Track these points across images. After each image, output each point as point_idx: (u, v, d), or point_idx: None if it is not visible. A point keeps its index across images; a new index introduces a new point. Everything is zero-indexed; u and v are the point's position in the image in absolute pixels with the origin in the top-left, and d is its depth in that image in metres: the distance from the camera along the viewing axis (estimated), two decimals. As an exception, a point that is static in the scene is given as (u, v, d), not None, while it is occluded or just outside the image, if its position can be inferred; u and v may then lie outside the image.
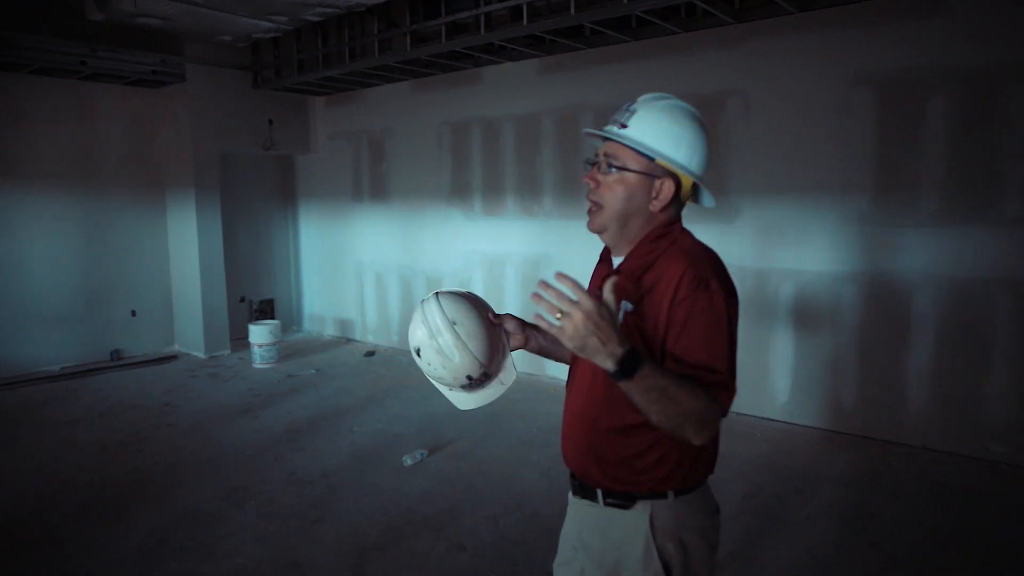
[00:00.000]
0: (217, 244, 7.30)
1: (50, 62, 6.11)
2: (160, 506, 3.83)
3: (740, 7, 4.66)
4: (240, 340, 7.43)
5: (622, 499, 1.56)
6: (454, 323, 1.56)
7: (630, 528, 1.55)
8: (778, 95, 4.89)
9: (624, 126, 1.55)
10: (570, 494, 1.72)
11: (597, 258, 1.73)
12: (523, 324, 1.82)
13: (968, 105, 4.25)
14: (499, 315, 1.79)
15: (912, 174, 4.47)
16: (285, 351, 7.29)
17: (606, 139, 1.56)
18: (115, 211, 7.13)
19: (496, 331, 1.73)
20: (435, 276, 7.19)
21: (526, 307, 6.47)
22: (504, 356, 1.77)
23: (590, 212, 1.59)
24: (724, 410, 1.43)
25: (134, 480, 4.21)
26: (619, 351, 1.29)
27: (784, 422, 5.06)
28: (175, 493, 4.00)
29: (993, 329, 4.28)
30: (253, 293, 8.23)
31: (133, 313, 7.32)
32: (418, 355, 1.63)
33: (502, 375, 1.77)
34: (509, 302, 6.60)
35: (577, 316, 1.27)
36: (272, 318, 7.93)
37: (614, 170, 1.54)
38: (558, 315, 1.29)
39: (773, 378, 5.12)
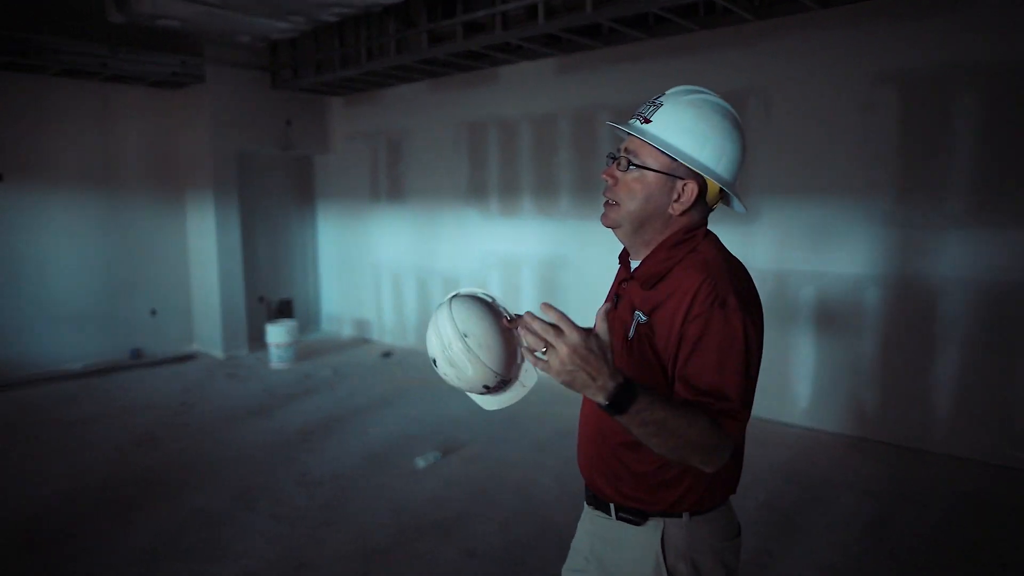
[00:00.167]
0: (235, 244, 7.34)
1: (72, 64, 6.17)
2: (172, 506, 3.84)
3: (760, 4, 4.57)
4: (259, 340, 7.45)
5: (634, 515, 1.49)
6: (465, 335, 1.47)
7: (641, 545, 1.48)
8: (799, 94, 4.79)
9: (647, 120, 1.45)
10: (585, 503, 1.66)
11: (615, 260, 1.64)
12: None
13: (995, 103, 4.12)
14: (516, 317, 1.65)
15: (938, 174, 4.34)
16: (302, 351, 7.31)
17: (630, 134, 1.47)
18: (135, 211, 7.20)
19: (512, 336, 1.65)
20: (451, 277, 7.16)
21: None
22: (523, 359, 1.72)
23: (605, 206, 1.51)
24: (733, 439, 1.33)
25: (148, 479, 4.22)
26: (610, 385, 1.20)
27: (804, 427, 4.95)
28: (187, 493, 4.01)
29: (1023, 334, 4.15)
30: (271, 293, 8.26)
31: (153, 312, 7.38)
32: (434, 364, 1.57)
33: (523, 377, 1.71)
34: (525, 304, 6.55)
35: (563, 350, 1.19)
36: (290, 318, 7.95)
37: (633, 168, 1.45)
38: (543, 349, 1.22)
39: (793, 382, 5.01)
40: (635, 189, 1.45)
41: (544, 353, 1.22)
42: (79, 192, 6.82)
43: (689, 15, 4.74)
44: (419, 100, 7.20)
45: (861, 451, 4.55)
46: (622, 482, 1.50)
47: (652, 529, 1.47)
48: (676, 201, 1.44)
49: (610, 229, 1.54)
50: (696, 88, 1.49)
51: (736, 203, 1.51)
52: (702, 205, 1.47)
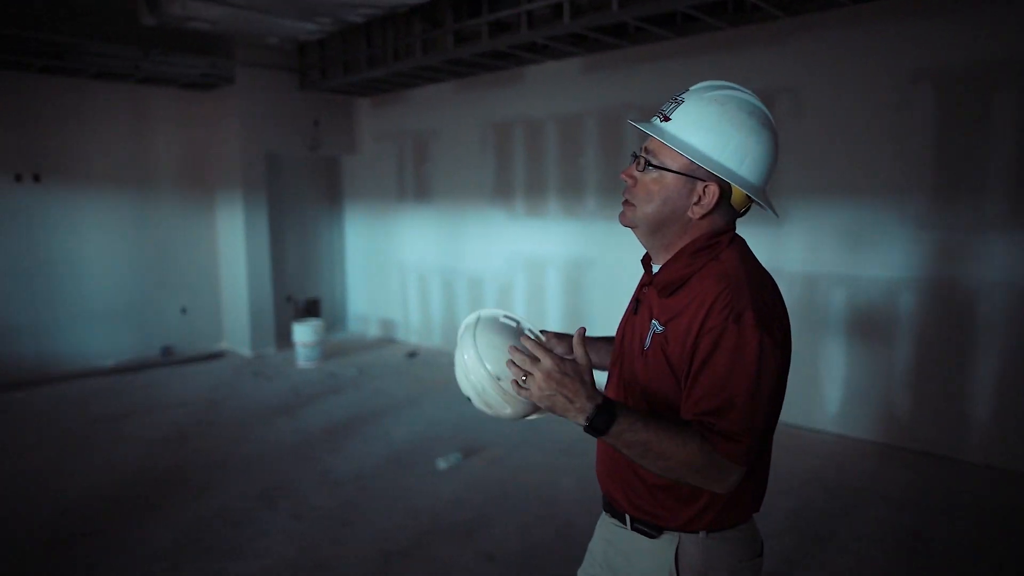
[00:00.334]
0: (264, 243, 7.41)
1: (106, 67, 6.29)
2: (196, 503, 3.87)
3: (790, 1, 4.46)
4: (286, 339, 7.52)
5: (649, 527, 1.44)
6: (499, 378, 1.42)
7: (655, 559, 1.43)
8: (831, 92, 4.67)
9: (667, 118, 1.38)
10: (603, 509, 1.62)
11: (640, 263, 1.58)
12: (566, 340, 1.65)
13: (1039, 101, 3.97)
14: (545, 338, 1.60)
15: (976, 176, 4.20)
16: (329, 350, 7.35)
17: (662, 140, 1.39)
18: (167, 210, 7.31)
19: None
20: (477, 277, 7.15)
21: (567, 310, 6.37)
22: None
23: (623, 205, 1.45)
24: (734, 462, 1.26)
25: (174, 476, 4.27)
26: (588, 407, 1.23)
27: (835, 434, 4.83)
28: (211, 491, 4.04)
29: (1065, 341, 4.00)
30: (299, 292, 8.33)
31: (183, 311, 7.49)
32: (469, 401, 1.51)
33: None
34: (551, 305, 6.51)
35: (537, 376, 1.25)
36: (317, 317, 8.00)
37: (652, 168, 1.38)
38: (523, 378, 1.28)
39: (823, 388, 4.89)
40: (652, 191, 1.39)
41: (525, 381, 1.28)
42: (112, 192, 6.94)
43: (718, 13, 4.65)
44: (445, 100, 7.20)
45: (893, 459, 4.42)
46: (637, 495, 1.45)
47: (667, 543, 1.42)
48: (696, 204, 1.36)
49: (629, 228, 1.48)
50: (723, 83, 1.40)
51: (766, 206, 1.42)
52: (726, 209, 1.38)
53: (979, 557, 3.28)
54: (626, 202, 1.45)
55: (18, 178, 6.39)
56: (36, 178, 6.48)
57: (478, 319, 1.53)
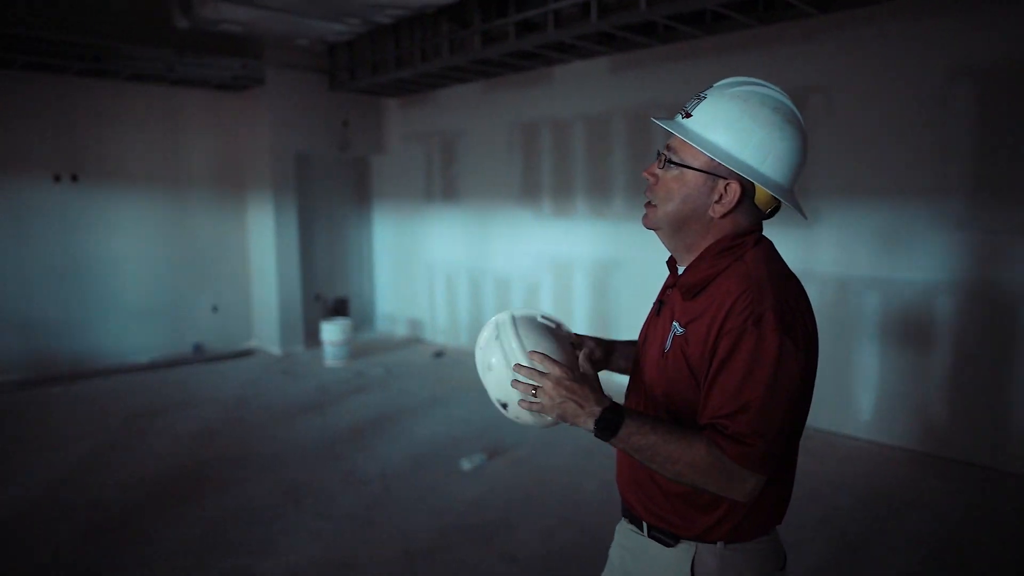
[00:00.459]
0: (293, 243, 7.49)
1: (141, 69, 6.41)
2: (223, 499, 3.92)
3: (824, -3, 4.37)
4: (315, 337, 7.59)
5: (666, 535, 1.41)
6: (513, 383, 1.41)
7: (671, 568, 1.40)
8: (865, 90, 4.57)
9: (688, 115, 1.36)
10: (622, 514, 1.59)
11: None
12: (604, 344, 1.64)
13: (1085, 98, 3.83)
14: (578, 340, 1.57)
15: (1017, 174, 4.07)
16: (357, 349, 7.40)
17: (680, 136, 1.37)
18: (198, 210, 7.43)
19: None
20: (504, 278, 7.14)
21: (595, 312, 6.33)
22: None
23: (646, 207, 1.43)
24: (748, 469, 1.22)
25: (202, 472, 4.33)
26: (597, 410, 1.26)
27: (868, 441, 4.72)
28: (239, 487, 4.09)
29: (1111, 348, 3.85)
30: (328, 291, 8.41)
31: (215, 309, 7.61)
32: (504, 408, 1.47)
33: None
34: (578, 306, 6.47)
35: (547, 385, 1.30)
36: (346, 316, 8.07)
37: (673, 166, 1.36)
38: (533, 392, 1.32)
39: (856, 393, 4.78)
40: (673, 189, 1.36)
41: (535, 395, 1.32)
42: (146, 192, 7.08)
43: (748, 11, 4.58)
44: (473, 101, 7.20)
45: (929, 468, 4.30)
46: (654, 502, 1.42)
47: (683, 552, 1.39)
48: (717, 202, 1.33)
49: (652, 231, 1.46)
50: (748, 79, 1.37)
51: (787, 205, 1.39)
52: (750, 208, 1.35)
53: (1016, 570, 3.17)
54: (648, 204, 1.43)
55: (57, 178, 6.55)
56: (74, 178, 6.63)
57: (514, 320, 1.48)
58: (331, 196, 8.40)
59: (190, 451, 4.69)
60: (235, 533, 3.53)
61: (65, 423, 5.29)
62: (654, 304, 1.52)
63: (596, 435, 1.26)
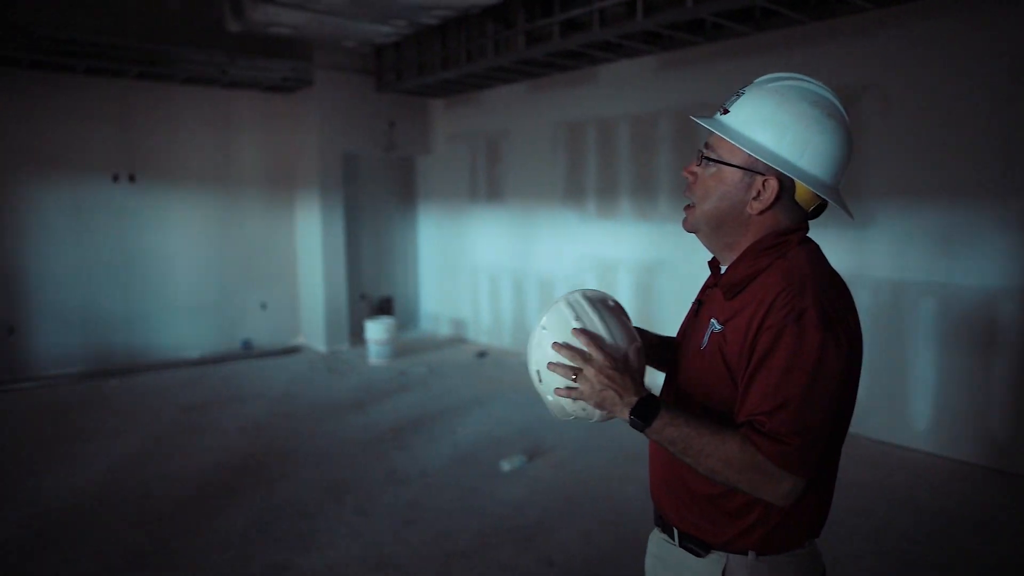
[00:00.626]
0: (340, 242, 7.60)
1: (195, 72, 6.60)
2: (267, 493, 3.99)
3: (881, -9, 4.23)
4: (360, 335, 7.68)
5: (696, 544, 1.38)
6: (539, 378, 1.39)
7: None
8: (923, 87, 4.39)
9: (726, 112, 1.34)
10: (654, 522, 1.56)
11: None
12: (650, 337, 1.61)
13: None
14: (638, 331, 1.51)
15: (1088, 176, 3.87)
16: (400, 348, 7.47)
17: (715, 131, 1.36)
18: (248, 209, 7.61)
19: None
20: (547, 279, 7.11)
21: (639, 314, 6.23)
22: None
23: (685, 209, 1.41)
24: (785, 469, 1.18)
25: (247, 466, 4.41)
26: (633, 400, 1.26)
27: (923, 451, 4.54)
28: (282, 482, 4.16)
29: None
30: (373, 290, 8.51)
31: (263, 306, 7.77)
32: (562, 412, 1.40)
33: None
34: (621, 308, 6.39)
35: (589, 371, 1.28)
36: (390, 315, 8.15)
37: (711, 164, 1.34)
38: (573, 376, 1.29)
39: (911, 402, 4.60)
40: (710, 187, 1.35)
41: (574, 380, 1.29)
42: (199, 191, 7.28)
43: (800, 7, 4.46)
44: (518, 101, 7.19)
45: (989, 483, 4.11)
46: (685, 507, 1.39)
47: (714, 563, 1.35)
48: (755, 199, 1.30)
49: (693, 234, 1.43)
50: (787, 75, 1.35)
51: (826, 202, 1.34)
52: (790, 205, 1.31)
53: (1084, 593, 3.01)
54: (688, 206, 1.41)
55: (115, 178, 6.78)
56: (131, 178, 6.85)
57: (590, 299, 1.40)
58: (377, 196, 8.50)
59: (237, 445, 4.79)
60: (278, 527, 3.59)
61: (121, 415, 5.47)
62: (693, 304, 1.51)
63: (631, 424, 1.26)
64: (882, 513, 3.71)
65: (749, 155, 1.28)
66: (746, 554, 1.32)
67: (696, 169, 1.38)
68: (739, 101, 1.33)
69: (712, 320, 1.35)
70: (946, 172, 4.37)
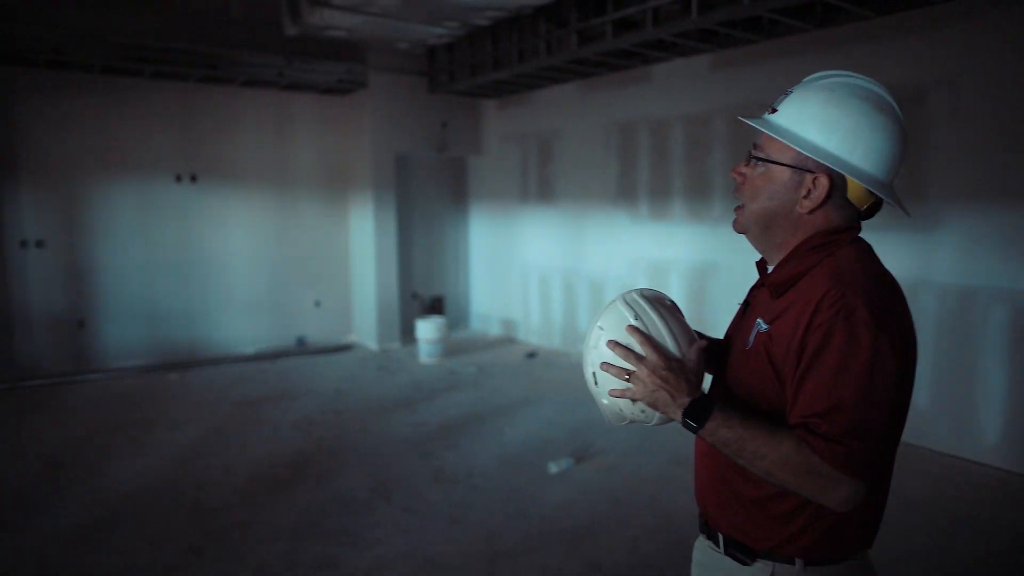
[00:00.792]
0: (392, 242, 7.70)
1: (254, 75, 6.77)
2: (317, 488, 4.06)
3: (951, -17, 4.05)
4: (410, 334, 7.76)
5: (742, 551, 1.34)
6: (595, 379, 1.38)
7: None
8: (996, 84, 4.19)
9: (774, 111, 1.33)
10: (699, 529, 1.53)
11: None
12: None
13: None
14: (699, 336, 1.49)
15: None
16: (451, 347, 7.52)
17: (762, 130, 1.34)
18: (303, 209, 7.78)
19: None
20: (598, 280, 7.06)
21: (691, 317, 6.06)
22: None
23: (735, 210, 1.39)
24: (834, 470, 1.14)
25: (299, 461, 4.50)
26: (686, 401, 1.25)
27: (994, 467, 4.32)
28: (332, 478, 4.22)
29: None
30: (424, 290, 8.59)
31: (317, 304, 7.93)
32: (620, 416, 1.39)
33: None
34: (672, 310, 6.29)
35: (643, 371, 1.27)
36: (441, 315, 8.21)
37: (760, 163, 1.32)
38: (626, 376, 1.29)
39: (980, 414, 4.39)
40: (759, 186, 1.33)
41: (627, 379, 1.29)
42: (257, 191, 7.47)
43: (863, 1, 4.30)
44: (569, 101, 7.15)
45: (1062, 499, 3.90)
46: (731, 510, 1.36)
47: (760, 572, 1.31)
48: (805, 198, 1.28)
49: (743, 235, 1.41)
50: (836, 72, 1.32)
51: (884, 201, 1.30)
52: (842, 203, 1.28)
53: None
54: (738, 207, 1.39)
55: (178, 178, 7.01)
56: (193, 178, 7.08)
57: (648, 299, 1.38)
58: (429, 196, 8.58)
59: (289, 440, 4.89)
60: (327, 522, 3.65)
61: (180, 407, 5.65)
62: (740, 305, 1.48)
63: (683, 425, 1.26)
64: (943, 530, 3.55)
65: (798, 153, 1.26)
66: (793, 563, 1.28)
67: (744, 170, 1.36)
68: (787, 100, 1.32)
69: (758, 320, 1.32)
70: (1019, 172, 4.15)
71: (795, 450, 1.16)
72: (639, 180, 6.53)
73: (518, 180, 7.97)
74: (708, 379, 1.57)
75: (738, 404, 1.34)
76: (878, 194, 1.26)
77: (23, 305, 6.40)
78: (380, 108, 7.44)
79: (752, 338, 1.32)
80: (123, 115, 6.70)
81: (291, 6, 6.01)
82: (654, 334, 1.32)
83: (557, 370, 6.73)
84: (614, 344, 1.30)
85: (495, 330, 8.54)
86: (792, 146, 1.26)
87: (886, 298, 1.22)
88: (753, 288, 1.46)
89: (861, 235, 1.33)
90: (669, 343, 1.32)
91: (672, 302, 1.43)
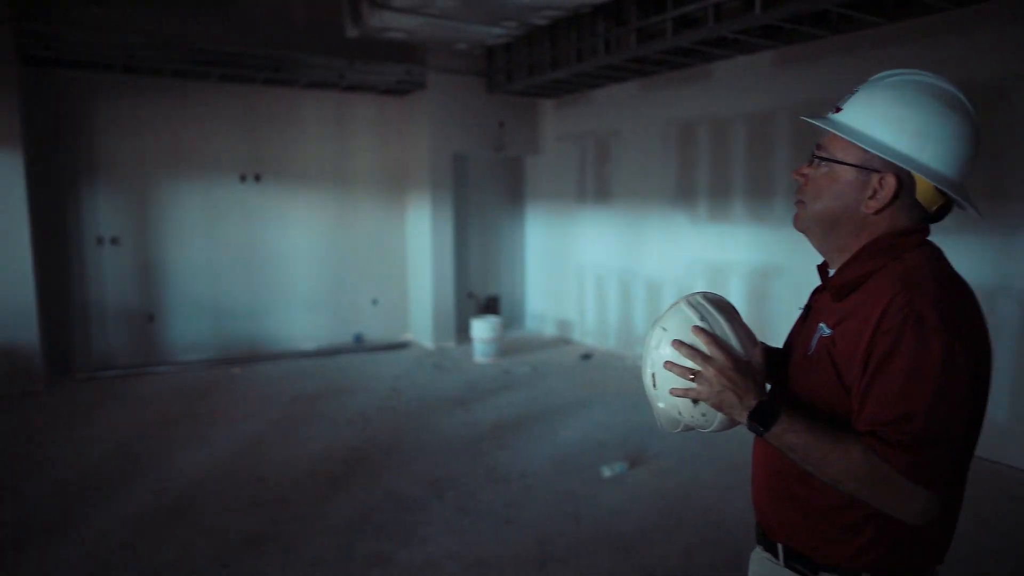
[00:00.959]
0: (448, 241, 7.75)
1: (316, 77, 6.93)
2: (371, 485, 4.12)
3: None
4: (466, 333, 7.81)
5: (803, 564, 1.29)
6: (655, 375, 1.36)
7: None
8: (1086, 78, 3.94)
9: (839, 110, 1.28)
10: (756, 540, 1.48)
11: None
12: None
13: None
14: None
15: None
16: (505, 347, 7.52)
17: (827, 129, 1.30)
18: (362, 208, 7.92)
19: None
20: (655, 282, 6.95)
21: (751, 321, 5.91)
22: None
23: (796, 205, 1.36)
24: (908, 481, 1.10)
25: (354, 456, 4.57)
26: (753, 403, 1.22)
27: (1074, 483, 4.08)
28: (386, 475, 4.27)
29: None
30: (480, 289, 8.63)
31: (374, 302, 8.06)
32: (677, 416, 1.36)
33: None
34: (731, 313, 6.15)
35: (710, 372, 1.24)
36: (496, 314, 8.23)
37: (823, 163, 1.29)
38: (691, 377, 1.26)
39: (1060, 427, 4.15)
40: (823, 186, 1.29)
41: (693, 380, 1.26)
42: (317, 191, 7.64)
43: (941, -8, 4.11)
44: (628, 100, 7.07)
45: None
46: (793, 521, 1.31)
47: None
48: (871, 198, 1.23)
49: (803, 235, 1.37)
50: (904, 70, 1.27)
51: (961, 202, 1.24)
52: (910, 204, 1.23)
53: None
54: (799, 202, 1.35)
55: (242, 178, 7.22)
56: (257, 178, 7.28)
57: (712, 301, 1.36)
58: (485, 196, 8.61)
59: (345, 436, 4.97)
60: (380, 519, 3.69)
61: (242, 401, 5.82)
62: (802, 310, 1.44)
63: (749, 428, 1.23)
64: (1022, 552, 3.36)
65: (865, 152, 1.22)
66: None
67: (807, 171, 1.33)
68: (853, 98, 1.27)
69: (820, 324, 1.28)
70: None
71: (864, 458, 1.12)
72: (698, 180, 6.40)
73: (575, 180, 7.92)
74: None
75: (802, 409, 1.29)
76: (949, 193, 1.21)
77: (99, 299, 6.70)
78: (438, 108, 7.51)
79: (814, 343, 1.28)
80: (191, 117, 6.94)
81: (352, 9, 6.11)
82: (720, 336, 1.30)
83: (612, 372, 6.66)
84: (679, 344, 1.28)
85: (550, 330, 8.52)
86: (859, 144, 1.22)
87: (958, 303, 1.17)
88: (815, 292, 1.42)
89: (930, 238, 1.28)
90: (735, 345, 1.30)
91: (732, 306, 1.40)
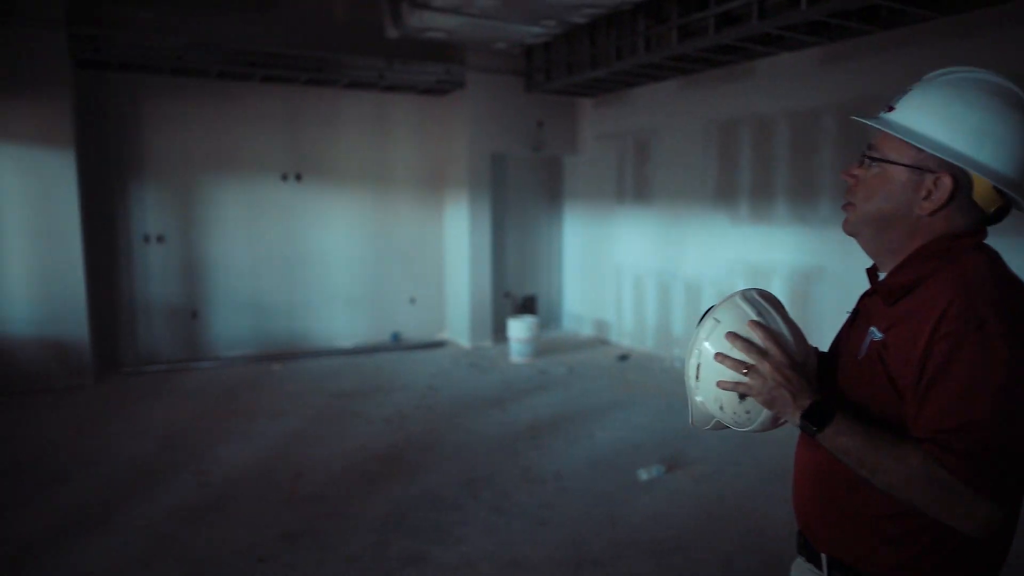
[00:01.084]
0: (486, 240, 7.76)
1: (357, 77, 6.99)
2: (406, 483, 4.13)
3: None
4: (502, 333, 7.80)
5: (848, 574, 1.25)
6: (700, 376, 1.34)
7: None
8: None
9: (891, 109, 1.24)
10: (797, 551, 1.44)
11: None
12: None
13: None
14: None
15: None
16: (542, 347, 7.50)
17: (880, 128, 1.26)
18: (400, 207, 7.97)
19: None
20: (694, 283, 6.86)
21: (792, 323, 5.86)
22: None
23: (845, 209, 1.31)
24: (970, 490, 1.05)
25: (390, 454, 4.60)
26: (807, 403, 1.18)
27: None
28: (421, 473, 4.29)
29: None
30: (517, 289, 8.61)
31: (412, 301, 8.11)
32: (720, 411, 1.32)
33: None
34: (773, 316, 6.03)
35: (765, 368, 1.20)
36: (533, 314, 8.21)
37: (874, 164, 1.24)
38: (744, 371, 1.22)
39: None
40: (874, 187, 1.24)
41: (745, 374, 1.23)
42: (357, 190, 7.72)
43: (997, -15, 3.96)
44: (668, 99, 6.98)
45: None
46: (838, 529, 1.27)
47: None
48: (925, 199, 1.19)
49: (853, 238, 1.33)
50: (961, 68, 1.22)
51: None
52: (967, 205, 1.19)
53: None
54: (848, 204, 1.31)
55: (284, 177, 7.33)
56: (298, 177, 7.38)
57: (766, 297, 1.34)
58: (523, 195, 8.59)
59: (381, 434, 5.01)
60: (416, 517, 3.70)
61: (281, 397, 5.91)
62: (850, 313, 1.40)
63: (801, 428, 1.20)
64: (1082, 566, 3.22)
65: (919, 152, 1.18)
66: None
67: (857, 171, 1.28)
68: (907, 97, 1.23)
69: (871, 328, 1.24)
70: None
71: (923, 465, 1.08)
72: (740, 180, 6.29)
73: (614, 179, 7.85)
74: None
75: (853, 412, 1.26)
76: (1009, 193, 1.16)
77: (145, 296, 6.87)
78: (477, 108, 7.52)
79: (865, 347, 1.24)
80: (235, 118, 7.06)
81: (392, 9, 6.15)
82: (776, 332, 1.27)
83: (650, 374, 6.59)
84: (734, 337, 1.24)
85: (587, 331, 8.47)
86: (914, 144, 1.17)
87: (1020, 307, 1.11)
88: (864, 296, 1.37)
89: (987, 241, 1.23)
90: (790, 343, 1.26)
91: (783, 305, 1.37)
